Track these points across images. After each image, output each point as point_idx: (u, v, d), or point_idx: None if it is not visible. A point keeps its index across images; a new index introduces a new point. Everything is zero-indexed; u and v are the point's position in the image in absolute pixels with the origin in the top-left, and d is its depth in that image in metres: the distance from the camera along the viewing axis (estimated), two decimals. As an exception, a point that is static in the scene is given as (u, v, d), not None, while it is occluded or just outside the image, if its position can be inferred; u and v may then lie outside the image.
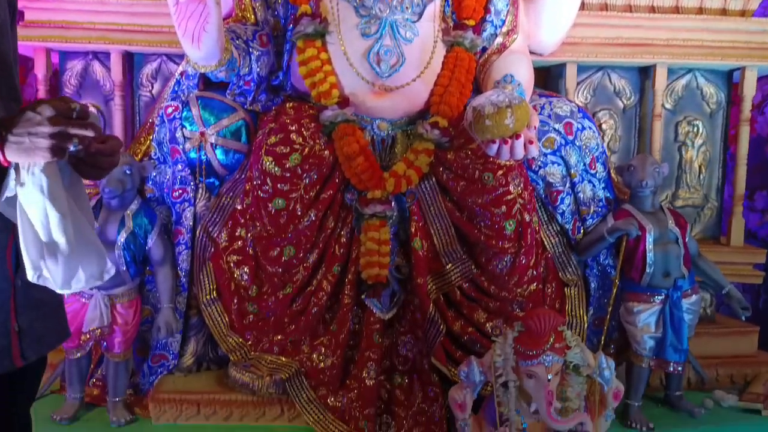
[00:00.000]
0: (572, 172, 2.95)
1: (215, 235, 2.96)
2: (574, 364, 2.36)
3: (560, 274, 3.02)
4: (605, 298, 3.09)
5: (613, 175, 3.15)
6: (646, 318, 2.89)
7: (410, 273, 2.85)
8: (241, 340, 2.92)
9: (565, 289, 3.02)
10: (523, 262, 2.82)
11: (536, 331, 2.29)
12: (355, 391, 2.79)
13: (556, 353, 2.30)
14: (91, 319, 2.70)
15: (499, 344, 2.37)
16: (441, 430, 2.76)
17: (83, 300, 2.71)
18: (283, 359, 2.85)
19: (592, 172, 3.00)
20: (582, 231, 3.03)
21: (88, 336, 2.71)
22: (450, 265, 2.85)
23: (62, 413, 2.74)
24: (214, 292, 2.95)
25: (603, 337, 2.93)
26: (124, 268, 2.74)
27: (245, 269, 2.93)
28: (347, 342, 2.86)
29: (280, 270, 2.86)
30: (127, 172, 2.76)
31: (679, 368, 2.88)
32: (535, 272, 2.88)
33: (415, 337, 2.85)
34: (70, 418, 2.74)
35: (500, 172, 2.74)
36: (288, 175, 2.78)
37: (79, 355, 2.74)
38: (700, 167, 3.52)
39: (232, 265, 2.95)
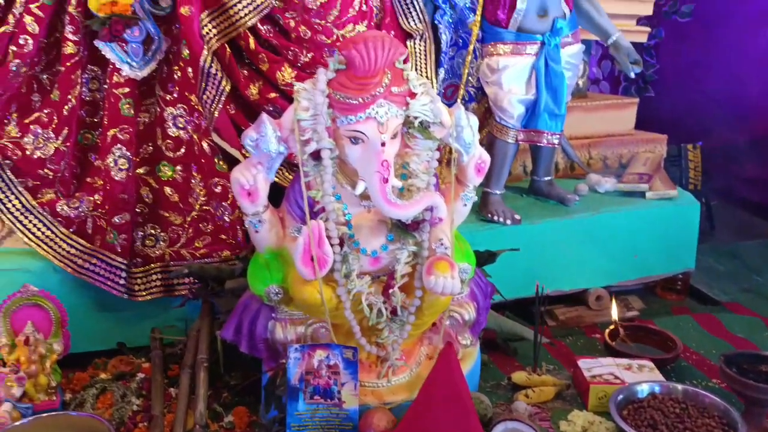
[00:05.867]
0: None
1: None
2: (422, 122, 1.53)
3: (401, 20, 2.15)
4: (461, 57, 2.28)
5: None
6: (514, 76, 2.12)
7: (174, 4, 1.82)
8: None
9: (408, 42, 2.16)
10: (348, -15, 1.90)
11: (362, 67, 1.42)
12: (100, 192, 1.84)
13: (393, 102, 1.46)
14: None
15: (306, 92, 1.48)
16: (234, 239, 1.91)
17: None
18: (-30, 145, 1.80)
19: None
20: (432, -49, 2.14)
21: None
22: (237, -9, 1.87)
23: None
24: None
25: (458, 105, 2.15)
26: None
27: None
28: (80, 117, 1.86)
29: (-61, -6, 1.74)
30: None
31: (555, 140, 2.18)
32: (364, 5, 1.97)
33: (190, 108, 1.89)
34: None
35: None
36: None
37: None
38: None
39: None
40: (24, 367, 1.62)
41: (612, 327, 2.07)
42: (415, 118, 1.52)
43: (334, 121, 1.47)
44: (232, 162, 1.92)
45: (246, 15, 1.87)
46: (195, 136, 1.89)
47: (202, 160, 1.89)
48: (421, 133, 1.55)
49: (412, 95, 1.50)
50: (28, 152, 1.82)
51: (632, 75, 2.25)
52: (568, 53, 2.16)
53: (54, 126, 1.82)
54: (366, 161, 1.46)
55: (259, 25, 1.90)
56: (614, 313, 2.14)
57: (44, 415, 1.52)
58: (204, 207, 1.92)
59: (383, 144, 1.45)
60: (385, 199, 1.47)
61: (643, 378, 1.77)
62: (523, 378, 1.85)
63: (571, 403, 1.80)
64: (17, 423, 1.48)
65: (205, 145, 1.87)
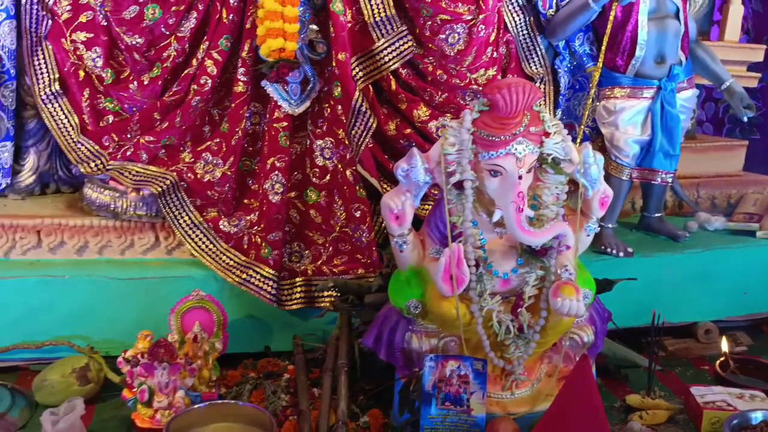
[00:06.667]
0: None
1: (52, 2, 2.09)
2: (553, 158, 1.70)
3: (524, 65, 2.33)
4: (577, 99, 2.45)
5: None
6: (630, 117, 2.27)
7: (329, 50, 2.08)
8: (96, 147, 2.13)
9: (529, 84, 2.34)
10: (482, 34, 2.10)
11: (505, 109, 1.60)
12: (257, 212, 2.10)
13: (530, 140, 1.64)
14: None
15: (453, 129, 1.68)
16: (369, 258, 2.12)
17: None
18: (154, 169, 2.09)
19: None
20: (555, 5, 2.32)
21: None
22: (383, 40, 2.10)
23: None
24: (57, 84, 2.11)
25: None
26: None
27: (98, 50, 2.09)
28: (243, 147, 2.12)
29: (142, 41, 2.04)
30: None
31: (668, 179, 2.30)
32: (495, 52, 2.17)
33: (336, 141, 2.13)
34: None
35: None
36: None
37: None
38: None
39: (80, 45, 2.10)
40: (192, 361, 1.86)
41: (722, 359, 2.15)
42: (548, 154, 1.69)
43: (476, 155, 1.65)
44: (370, 190, 2.15)
45: (390, 60, 2.10)
46: (339, 166, 2.12)
47: (345, 188, 2.12)
48: (552, 168, 1.71)
49: (547, 134, 1.67)
50: (199, 176, 2.10)
51: (745, 119, 2.35)
52: (683, 97, 2.29)
53: (222, 154, 2.10)
54: (503, 192, 1.64)
55: (400, 69, 2.13)
56: (724, 345, 2.22)
57: (218, 402, 1.76)
58: (344, 229, 2.14)
59: (520, 177, 1.62)
60: (519, 226, 1.64)
61: (755, 407, 1.85)
62: (637, 400, 1.96)
63: (683, 427, 1.89)
64: (195, 406, 1.72)
65: (348, 173, 2.10)
